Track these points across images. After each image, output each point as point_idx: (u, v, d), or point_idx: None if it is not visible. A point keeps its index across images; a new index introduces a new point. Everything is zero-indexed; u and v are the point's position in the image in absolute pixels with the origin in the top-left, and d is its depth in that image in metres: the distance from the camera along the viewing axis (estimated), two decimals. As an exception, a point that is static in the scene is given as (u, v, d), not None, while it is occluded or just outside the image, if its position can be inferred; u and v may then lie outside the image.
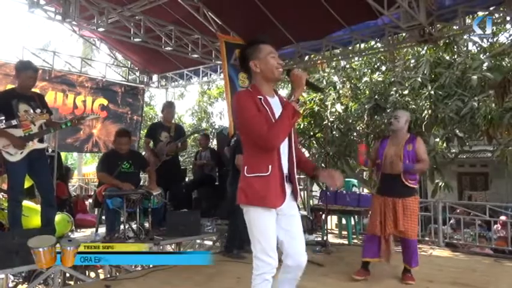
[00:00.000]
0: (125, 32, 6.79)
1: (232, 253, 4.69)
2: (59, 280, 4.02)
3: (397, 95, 8.13)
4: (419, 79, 7.82)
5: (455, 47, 8.25)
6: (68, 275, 4.48)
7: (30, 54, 8.00)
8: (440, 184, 8.13)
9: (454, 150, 9.20)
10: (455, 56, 8.35)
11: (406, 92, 8.19)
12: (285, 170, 2.18)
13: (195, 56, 7.60)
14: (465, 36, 7.74)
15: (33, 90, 4.10)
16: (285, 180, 2.16)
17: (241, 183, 2.17)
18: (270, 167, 2.11)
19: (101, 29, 6.66)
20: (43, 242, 3.07)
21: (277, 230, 2.17)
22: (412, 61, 9.12)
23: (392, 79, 8.67)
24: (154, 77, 10.19)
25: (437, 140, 8.19)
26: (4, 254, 3.39)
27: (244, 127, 2.19)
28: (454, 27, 6.08)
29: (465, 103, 7.35)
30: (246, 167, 2.17)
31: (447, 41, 7.51)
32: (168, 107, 6.00)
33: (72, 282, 4.62)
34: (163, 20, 7.00)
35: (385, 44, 6.78)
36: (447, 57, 8.43)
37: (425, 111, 7.91)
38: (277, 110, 2.16)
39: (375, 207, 3.90)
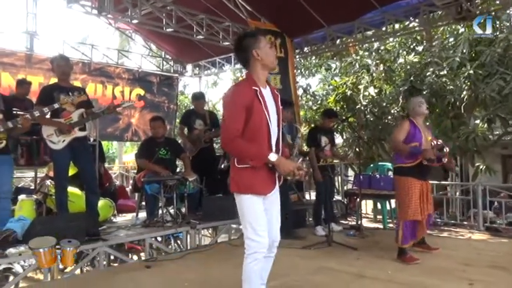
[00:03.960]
0: (157, 23, 6.96)
1: None
2: (104, 262, 4.26)
3: (434, 75, 7.84)
4: (457, 58, 7.50)
5: (497, 22, 7.82)
6: (112, 257, 4.75)
7: (69, 48, 8.39)
8: (481, 167, 7.84)
9: (497, 132, 8.80)
10: (497, 33, 7.92)
11: (443, 72, 7.89)
12: None
13: (226, 43, 7.67)
14: (508, 11, 7.34)
15: (75, 84, 4.30)
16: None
17: (232, 173, 2.36)
18: None
19: (134, 21, 6.84)
20: (43, 243, 3.22)
21: None
22: (451, 40, 8.74)
23: (429, 59, 8.36)
24: (188, 66, 10.39)
25: (478, 121, 7.86)
26: (53, 236, 3.62)
27: (225, 118, 2.36)
28: (497, 1, 5.78)
29: (507, 82, 6.99)
30: (236, 159, 2.34)
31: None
32: (196, 100, 6.09)
33: (116, 264, 4.89)
34: (194, 9, 7.10)
35: (420, 23, 6.56)
36: (488, 34, 8.02)
37: (464, 92, 7.60)
38: (268, 101, 2.36)
39: (413, 191, 3.85)
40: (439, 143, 3.91)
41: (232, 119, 2.29)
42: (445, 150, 3.89)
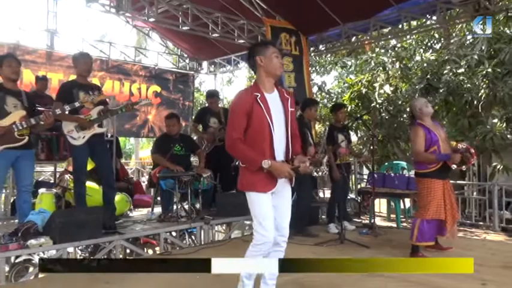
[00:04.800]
0: (173, 21, 7.05)
1: None
2: (120, 255, 4.37)
3: (451, 74, 7.72)
4: (475, 56, 7.37)
5: (517, 20, 7.67)
6: (128, 250, 4.86)
7: (88, 46, 8.57)
8: (498, 167, 7.70)
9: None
10: (517, 30, 7.78)
11: (461, 70, 7.76)
12: (281, 157, 2.47)
13: (241, 41, 7.72)
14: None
15: (92, 82, 4.41)
16: None
17: (240, 172, 2.52)
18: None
19: (151, 19, 6.95)
20: None
21: None
22: (469, 37, 8.60)
23: (446, 57, 8.24)
24: (204, 64, 10.49)
25: (496, 120, 7.72)
26: (71, 229, 3.75)
27: (228, 124, 2.52)
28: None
29: (528, 80, 6.85)
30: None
31: (509, 13, 7.01)
32: (211, 97, 6.17)
33: (132, 257, 4.99)
34: (209, 7, 7.17)
35: (437, 21, 6.48)
36: (508, 32, 7.86)
37: (482, 91, 7.47)
38: (273, 105, 2.46)
39: (435, 191, 3.84)
40: (463, 146, 3.85)
41: (232, 124, 2.45)
42: (471, 151, 3.85)
